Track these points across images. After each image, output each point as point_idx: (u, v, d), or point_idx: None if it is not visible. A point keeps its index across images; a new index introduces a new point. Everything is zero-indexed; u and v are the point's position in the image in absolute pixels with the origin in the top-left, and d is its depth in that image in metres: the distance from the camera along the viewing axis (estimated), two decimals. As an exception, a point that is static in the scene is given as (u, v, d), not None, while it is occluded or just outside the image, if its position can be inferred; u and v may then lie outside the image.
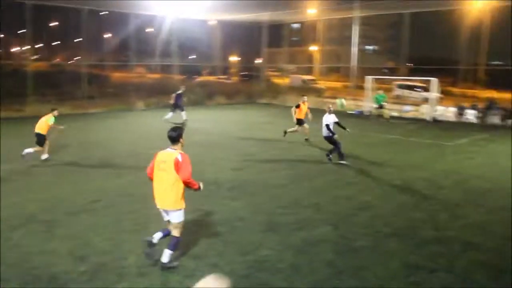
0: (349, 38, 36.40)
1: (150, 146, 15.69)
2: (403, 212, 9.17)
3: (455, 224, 8.46)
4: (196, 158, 14.00)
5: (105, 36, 69.97)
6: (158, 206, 6.41)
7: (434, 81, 26.97)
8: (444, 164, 13.97)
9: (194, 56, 52.41)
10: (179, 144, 6.34)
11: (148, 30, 46.38)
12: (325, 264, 6.57)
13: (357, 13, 31.06)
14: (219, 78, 43.36)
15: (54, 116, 13.23)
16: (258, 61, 43.21)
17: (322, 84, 42.84)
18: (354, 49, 39.10)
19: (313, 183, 11.31)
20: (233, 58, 68.67)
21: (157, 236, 6.43)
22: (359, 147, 16.12)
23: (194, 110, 28.95)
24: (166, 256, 6.27)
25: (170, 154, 6.19)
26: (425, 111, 27.88)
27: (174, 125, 6.78)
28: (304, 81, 45.91)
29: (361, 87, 33.84)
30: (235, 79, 47.98)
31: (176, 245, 6.37)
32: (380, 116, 25.95)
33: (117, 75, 36.94)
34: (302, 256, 6.84)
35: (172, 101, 22.13)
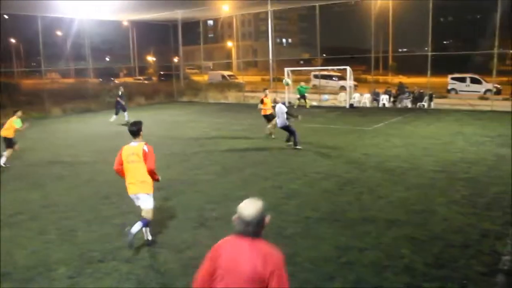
0: (264, 33, 36.88)
1: (71, 153, 15.13)
2: (329, 196, 9.48)
3: (378, 204, 8.87)
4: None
5: (11, 41, 66.29)
6: (130, 193, 6.98)
7: (348, 69, 28.03)
8: (364, 148, 14.57)
9: (108, 59, 50.90)
10: (140, 137, 6.94)
11: (58, 33, 44.43)
12: (259, 254, 6.65)
13: (270, 7, 31.51)
14: (137, 79, 42.50)
15: (20, 118, 13.48)
16: (176, 59, 42.75)
17: (241, 79, 43.15)
18: (270, 43, 39.70)
19: (241, 176, 11.41)
20: (150, 58, 67.44)
21: (133, 228, 6.80)
22: (282, 138, 16.41)
23: (113, 113, 28.19)
24: (136, 227, 6.80)
25: (137, 147, 6.81)
26: (342, 99, 28.92)
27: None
28: (224, 76, 46.01)
29: (279, 80, 34.43)
30: (153, 79, 47.16)
31: (147, 224, 7.00)
32: (302, 106, 26.76)
33: (28, 82, 35.15)
34: (236, 249, 6.89)
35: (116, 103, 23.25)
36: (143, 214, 7.01)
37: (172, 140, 17.05)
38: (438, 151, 13.64)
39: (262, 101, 16.99)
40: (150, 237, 7.14)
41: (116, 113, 22.88)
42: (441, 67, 35.77)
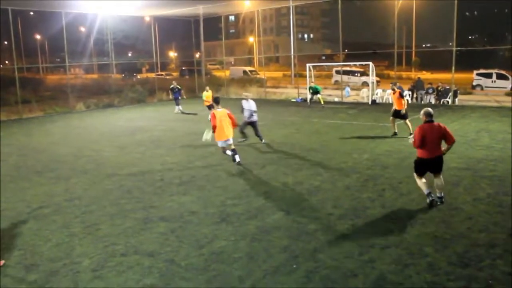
0: (286, 28, 36.73)
1: (95, 147, 15.32)
2: (351, 193, 9.40)
3: (400, 201, 8.76)
4: (141, 157, 13.79)
5: (36, 37, 67.32)
6: (223, 139, 11.83)
7: (370, 65, 27.74)
8: (386, 144, 14.41)
9: (130, 55, 51.28)
10: (220, 105, 11.85)
11: (81, 29, 44.93)
12: (280, 250, 6.64)
13: (291, 2, 31.37)
14: (158, 74, 42.76)
15: (207, 91, 21.94)
16: (197, 55, 42.87)
17: (262, 74, 43.11)
18: (292, 38, 39.44)
19: (262, 172, 11.38)
20: (172, 54, 67.75)
21: (236, 157, 11.98)
22: (304, 133, 16.35)
23: (136, 108, 28.52)
24: (238, 158, 12.02)
25: (223, 111, 11.74)
26: (365, 95, 28.66)
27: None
28: (245, 72, 45.97)
29: (301, 76, 34.31)
30: (175, 74, 47.33)
31: (236, 151, 12.06)
32: (317, 102, 26.50)
33: (52, 77, 35.74)
34: (257, 244, 6.89)
35: (171, 96, 25.62)
36: (232, 147, 12.01)
37: (194, 136, 17.10)
38: (463, 148, 13.40)
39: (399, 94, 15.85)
40: (239, 160, 11.98)
41: (177, 104, 25.08)
42: (466, 62, 35.20)
